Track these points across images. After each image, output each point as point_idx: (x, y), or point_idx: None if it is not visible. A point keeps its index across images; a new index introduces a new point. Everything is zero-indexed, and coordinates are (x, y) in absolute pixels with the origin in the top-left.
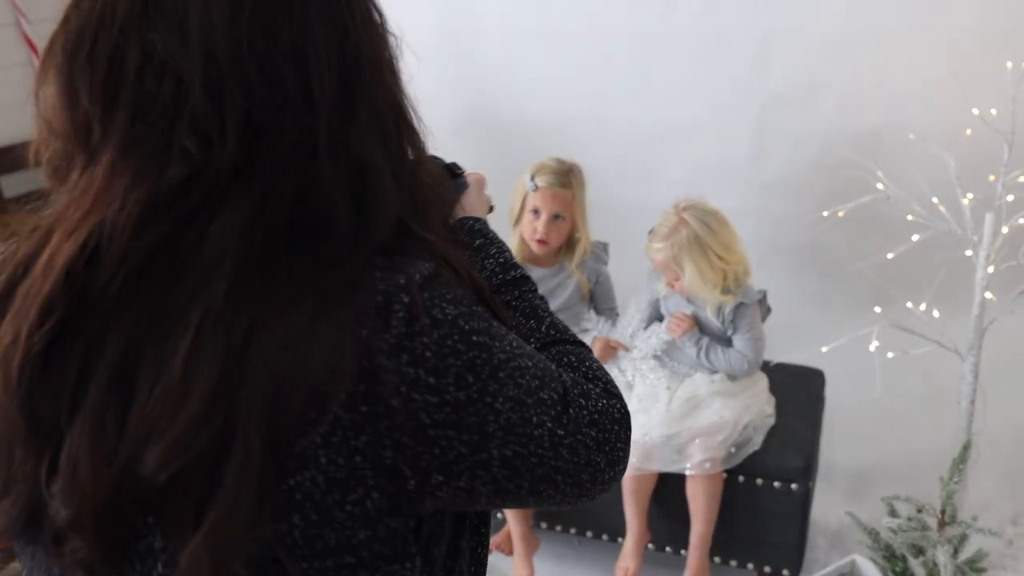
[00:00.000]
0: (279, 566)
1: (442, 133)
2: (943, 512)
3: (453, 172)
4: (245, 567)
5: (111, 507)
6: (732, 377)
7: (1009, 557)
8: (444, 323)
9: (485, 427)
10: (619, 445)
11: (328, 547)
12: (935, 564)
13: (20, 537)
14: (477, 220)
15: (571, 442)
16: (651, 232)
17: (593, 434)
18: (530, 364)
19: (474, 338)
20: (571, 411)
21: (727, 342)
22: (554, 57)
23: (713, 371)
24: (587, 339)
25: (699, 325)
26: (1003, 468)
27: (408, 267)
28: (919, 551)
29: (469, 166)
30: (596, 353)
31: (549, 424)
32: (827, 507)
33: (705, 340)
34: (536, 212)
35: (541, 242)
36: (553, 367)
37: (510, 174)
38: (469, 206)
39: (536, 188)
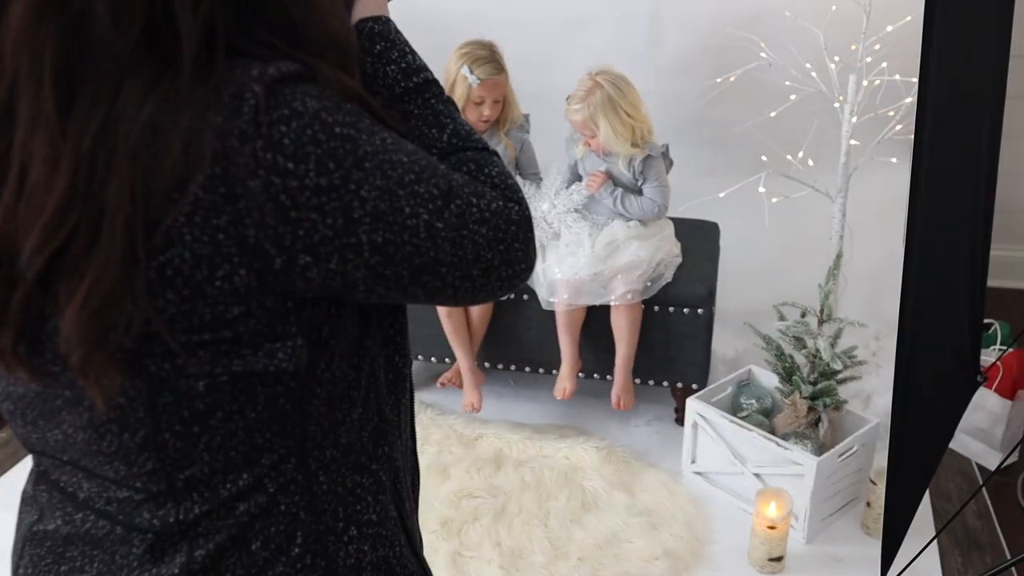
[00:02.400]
0: (163, 341)
1: None
2: (821, 311)
3: None
4: (132, 340)
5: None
6: (644, 223)
7: (873, 365)
8: (304, 114)
9: (350, 213)
10: (516, 245)
11: (204, 322)
12: (816, 352)
13: None
14: (378, 20)
15: (453, 236)
16: (569, 97)
17: (483, 231)
18: (404, 159)
19: (337, 129)
20: (453, 206)
21: (638, 192)
22: None
23: (629, 218)
24: None
25: (612, 179)
26: (867, 293)
27: (267, 64)
28: (802, 344)
29: None
30: (588, 182)
31: (425, 216)
32: (725, 342)
33: (619, 191)
34: (480, 102)
35: (484, 122)
36: (441, 167)
37: (432, 61)
38: (367, 4)
39: (480, 81)
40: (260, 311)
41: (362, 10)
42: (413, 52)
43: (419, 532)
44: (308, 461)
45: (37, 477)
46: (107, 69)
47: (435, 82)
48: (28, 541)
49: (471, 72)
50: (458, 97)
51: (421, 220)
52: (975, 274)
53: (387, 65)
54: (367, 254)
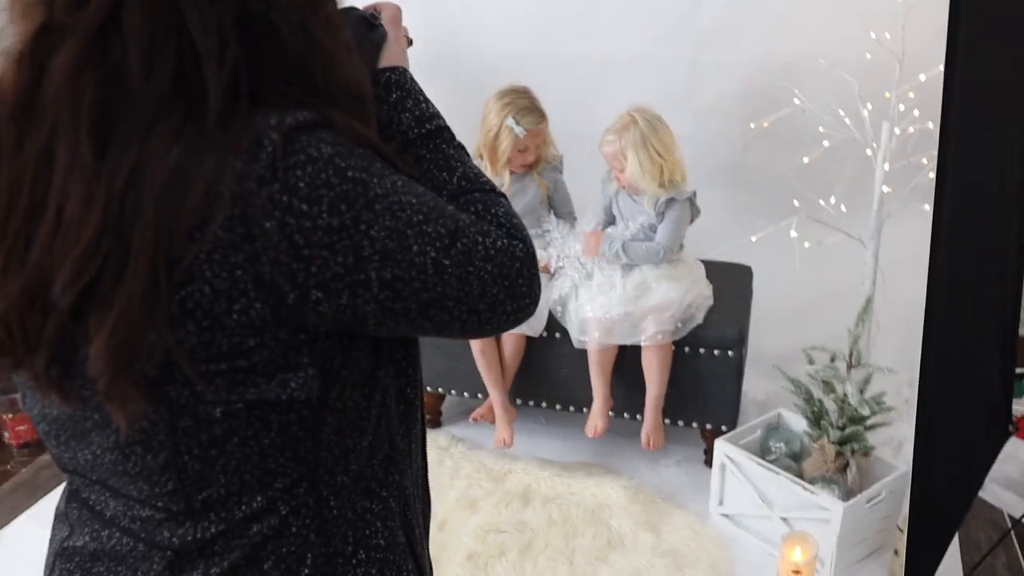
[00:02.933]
0: (183, 369)
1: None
2: (851, 355)
3: (371, 23)
4: (155, 369)
5: (34, 317)
6: (673, 265)
7: (904, 412)
8: (319, 159)
9: (360, 251)
10: (520, 281)
11: (221, 352)
12: (845, 397)
13: (5, 360)
14: (395, 71)
15: (460, 272)
16: (606, 130)
17: (489, 268)
18: (414, 201)
19: (349, 173)
20: (460, 244)
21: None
22: (512, 1)
23: (631, 263)
24: (546, 241)
25: (640, 227)
26: (899, 339)
27: (285, 114)
28: (831, 388)
29: (434, 99)
30: (587, 246)
31: (433, 254)
32: (756, 385)
33: (617, 244)
34: (524, 149)
35: (526, 165)
36: (449, 208)
37: (471, 105)
38: (388, 57)
39: (524, 132)
40: (274, 343)
41: (385, 59)
42: (427, 100)
43: (429, 559)
44: (319, 486)
45: (69, 495)
46: (139, 116)
47: (446, 128)
48: (59, 556)
49: (517, 123)
50: (504, 147)
51: (428, 258)
52: (1006, 322)
53: (402, 112)
54: (376, 290)
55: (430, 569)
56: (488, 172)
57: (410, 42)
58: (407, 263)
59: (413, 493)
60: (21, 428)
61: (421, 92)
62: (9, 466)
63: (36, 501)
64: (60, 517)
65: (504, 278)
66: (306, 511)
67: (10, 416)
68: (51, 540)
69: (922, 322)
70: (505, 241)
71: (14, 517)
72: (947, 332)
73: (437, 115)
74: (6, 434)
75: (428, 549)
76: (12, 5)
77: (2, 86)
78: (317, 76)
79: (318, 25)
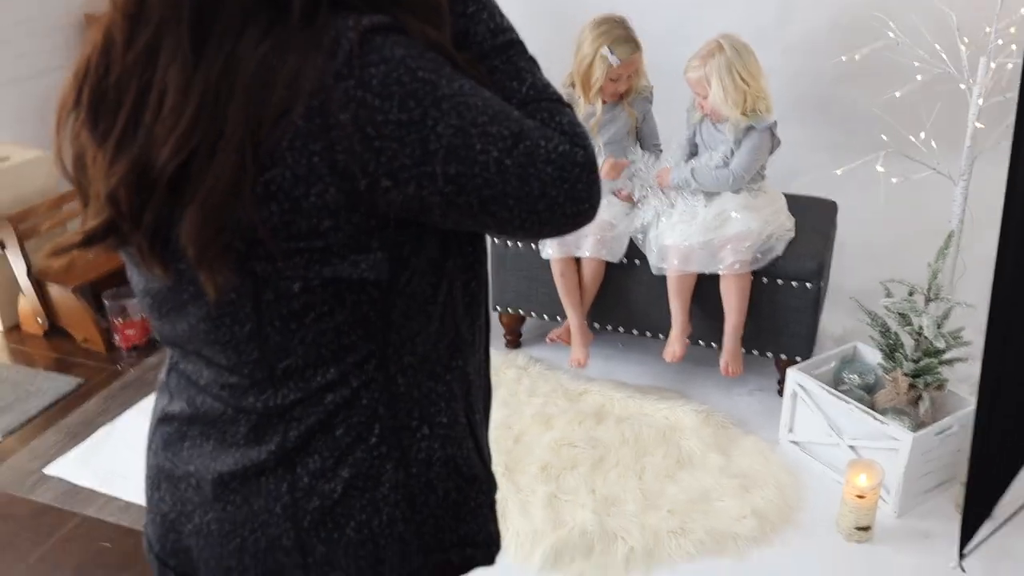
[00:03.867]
0: (266, 246)
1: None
2: (929, 289)
3: None
4: (241, 243)
5: (139, 193)
6: (753, 195)
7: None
8: (391, 59)
9: (427, 145)
10: (579, 186)
11: (301, 231)
12: (921, 331)
13: (115, 237)
14: None
15: (520, 172)
16: (691, 56)
17: (549, 171)
18: (479, 103)
19: (419, 74)
20: (522, 146)
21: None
22: None
23: (708, 192)
24: (631, 171)
25: (724, 156)
26: (987, 280)
27: (362, 16)
28: (907, 321)
29: (525, 28)
30: (604, 170)
31: (495, 153)
32: (835, 319)
33: (686, 171)
34: (617, 79)
35: (616, 95)
36: (515, 113)
37: (564, 32)
38: None
39: (619, 62)
40: (347, 226)
41: None
42: (501, 15)
43: (487, 443)
44: (388, 364)
45: (169, 367)
46: (232, 16)
47: (519, 41)
48: (160, 422)
49: (611, 52)
50: (597, 76)
51: (491, 156)
52: None
53: (476, 24)
54: (441, 183)
55: (489, 453)
56: (580, 100)
57: None
58: (470, 160)
59: (476, 381)
60: (130, 332)
61: (496, 6)
62: (119, 366)
63: (143, 398)
64: (161, 387)
65: (564, 181)
66: (375, 385)
67: (120, 321)
68: (154, 409)
69: None
70: (567, 147)
71: (124, 411)
72: (1020, 263)
73: (511, 28)
74: (117, 337)
75: (487, 432)
76: None
77: None
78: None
79: None
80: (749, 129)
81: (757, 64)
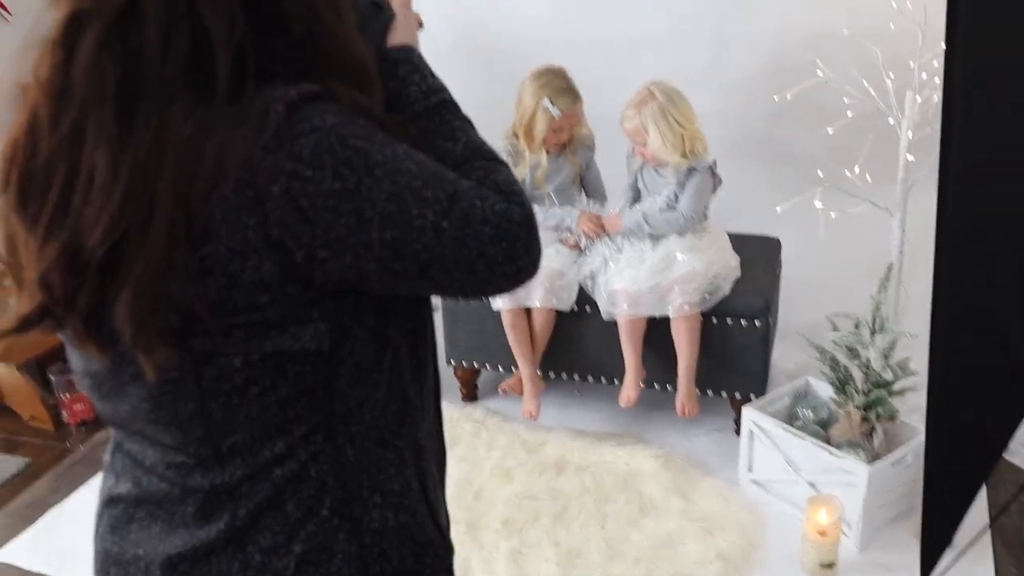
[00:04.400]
0: (204, 322)
1: (440, 52)
2: (873, 321)
3: (379, 6)
4: (178, 320)
5: (71, 276)
6: (698, 236)
7: None
8: (322, 128)
9: (363, 213)
10: (518, 243)
11: (238, 306)
12: (868, 363)
13: (50, 321)
14: (402, 49)
15: (458, 234)
16: (625, 106)
17: (487, 231)
18: (413, 167)
19: (351, 141)
20: (458, 208)
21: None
22: None
23: (655, 235)
24: (574, 215)
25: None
26: (926, 310)
27: (291, 87)
28: (855, 354)
29: (465, 83)
30: (582, 225)
31: (432, 217)
32: (786, 355)
33: (637, 215)
34: (559, 130)
35: (560, 145)
36: (450, 174)
37: (502, 85)
38: (396, 36)
39: (560, 113)
40: (285, 298)
41: (393, 39)
42: (433, 76)
43: (444, 507)
44: (335, 434)
45: (114, 447)
46: (158, 94)
47: (451, 102)
48: (106, 504)
49: (552, 104)
50: (540, 127)
51: (428, 220)
52: None
53: (408, 87)
54: (378, 250)
55: (446, 516)
56: (525, 152)
57: (420, 25)
58: (407, 225)
59: (427, 445)
60: (78, 407)
61: (428, 68)
62: (68, 443)
63: (94, 475)
64: (107, 468)
65: (501, 240)
66: (324, 457)
67: (68, 396)
68: (100, 490)
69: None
70: (504, 205)
71: (75, 489)
72: (960, 293)
73: (442, 88)
74: (64, 413)
75: (443, 495)
76: None
77: (40, 71)
78: (322, 50)
79: (322, 3)
80: (691, 171)
81: (689, 106)
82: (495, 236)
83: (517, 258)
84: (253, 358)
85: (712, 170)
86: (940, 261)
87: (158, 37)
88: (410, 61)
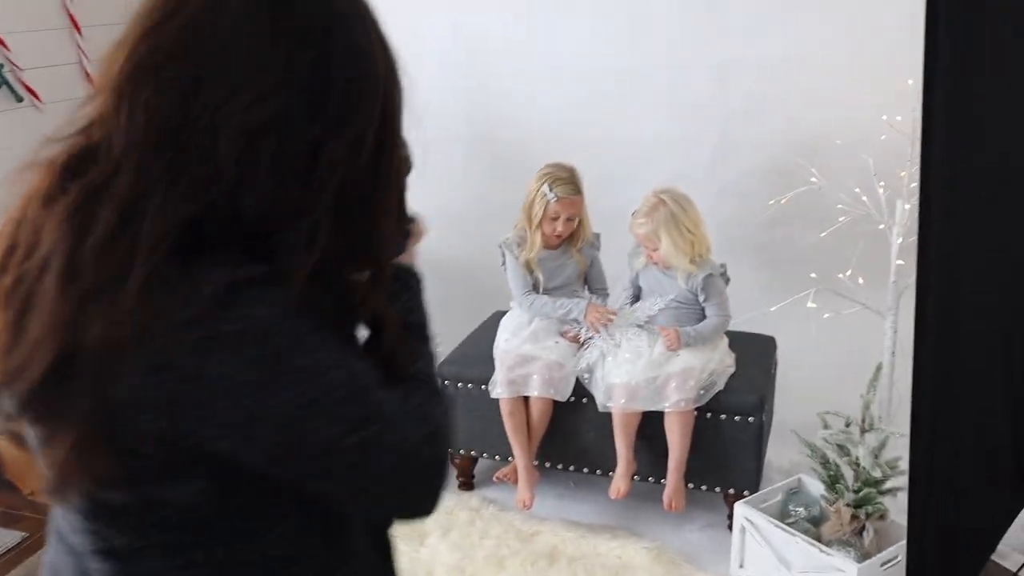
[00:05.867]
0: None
1: (458, 149)
2: (863, 420)
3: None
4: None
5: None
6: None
7: None
8: (250, 318)
9: (263, 409)
10: (417, 483)
11: (127, 449)
12: (858, 462)
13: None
14: (406, 269)
15: (354, 457)
16: (634, 212)
17: (387, 460)
18: (336, 379)
19: (275, 339)
20: (364, 432)
21: (695, 304)
22: (548, 85)
23: (706, 344)
24: (582, 306)
25: (671, 301)
26: None
27: (238, 268)
28: (846, 452)
29: (478, 175)
30: (589, 316)
31: (336, 431)
32: (780, 453)
33: (691, 332)
34: (555, 217)
35: (558, 237)
36: (377, 396)
37: (513, 181)
38: (407, 255)
39: (557, 199)
40: (174, 454)
41: (405, 256)
42: (421, 303)
43: None
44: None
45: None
46: (109, 267)
47: (426, 330)
48: (44, 568)
49: (550, 190)
50: (536, 210)
51: (330, 433)
52: (1012, 382)
53: (396, 302)
54: (267, 445)
55: None
56: (527, 234)
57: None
58: (303, 431)
59: None
60: None
61: (421, 295)
62: None
63: None
64: (49, 533)
65: (400, 475)
66: None
67: None
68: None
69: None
70: (418, 442)
71: None
72: (939, 390)
73: (424, 317)
74: None
75: None
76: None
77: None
78: (362, 244)
79: (385, 215)
80: (708, 278)
81: (697, 213)
82: (394, 469)
83: (408, 499)
84: (136, 500)
85: (723, 273)
86: (921, 359)
87: (110, 223)
88: (408, 283)
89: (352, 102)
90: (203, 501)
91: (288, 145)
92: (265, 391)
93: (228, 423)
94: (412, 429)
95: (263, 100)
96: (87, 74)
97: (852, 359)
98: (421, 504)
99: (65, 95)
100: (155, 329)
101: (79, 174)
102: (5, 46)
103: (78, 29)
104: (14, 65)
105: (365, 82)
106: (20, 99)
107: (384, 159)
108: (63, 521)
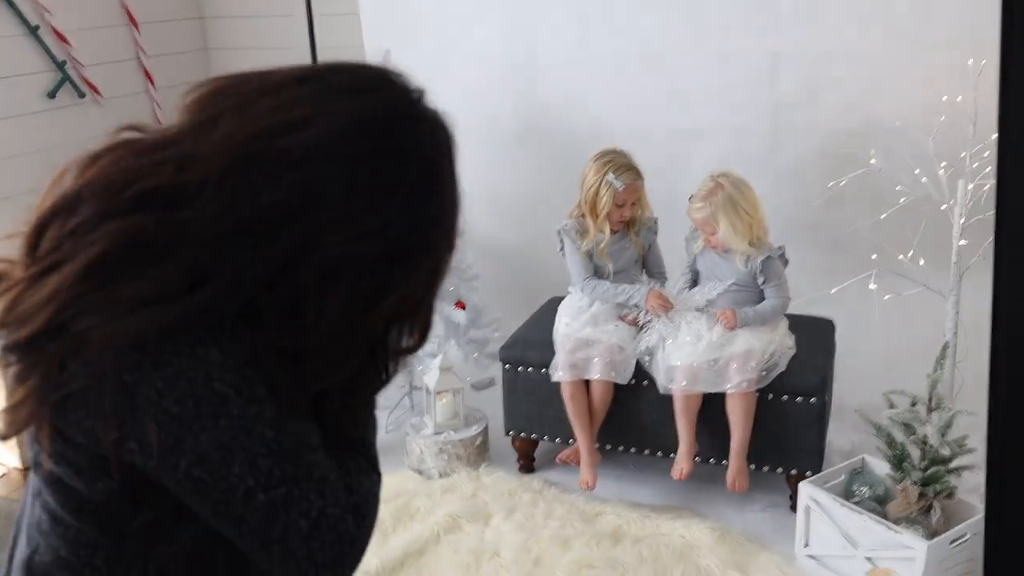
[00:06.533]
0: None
1: (510, 142)
2: (930, 398)
3: None
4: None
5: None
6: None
7: None
8: (197, 357)
9: (181, 443)
10: (328, 551)
11: (64, 448)
12: (926, 440)
13: None
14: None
15: (269, 512)
16: (692, 197)
17: (302, 524)
18: (269, 435)
19: (214, 384)
20: (287, 490)
21: (754, 287)
22: (601, 77)
23: (764, 325)
24: (643, 292)
25: (731, 285)
26: (980, 390)
27: (225, 343)
28: (912, 431)
29: (532, 167)
30: (650, 302)
31: (251, 482)
32: (841, 434)
33: (750, 313)
34: (622, 204)
35: (621, 222)
36: (308, 461)
37: (565, 174)
38: None
39: (624, 186)
40: (97, 453)
41: None
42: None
43: None
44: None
45: None
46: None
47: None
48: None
49: (616, 178)
50: (604, 201)
51: (245, 483)
52: None
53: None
54: (180, 476)
55: None
56: (590, 228)
57: None
58: (219, 475)
59: None
60: None
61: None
62: None
63: None
64: None
65: (313, 540)
66: None
67: None
68: None
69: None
70: (339, 511)
71: None
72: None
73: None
74: None
75: None
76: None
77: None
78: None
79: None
80: (767, 260)
81: (755, 196)
82: (308, 534)
83: (320, 563)
84: (61, 475)
85: (782, 255)
86: (996, 342)
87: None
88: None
89: (422, 263)
90: (112, 503)
91: (359, 287)
92: (188, 427)
93: (149, 443)
94: (338, 497)
95: (356, 241)
96: (145, 70)
97: (912, 342)
98: (330, 569)
99: (124, 90)
100: (114, 341)
101: (157, 204)
102: (68, 43)
103: (135, 25)
104: (76, 62)
105: (440, 246)
106: (82, 95)
107: (424, 312)
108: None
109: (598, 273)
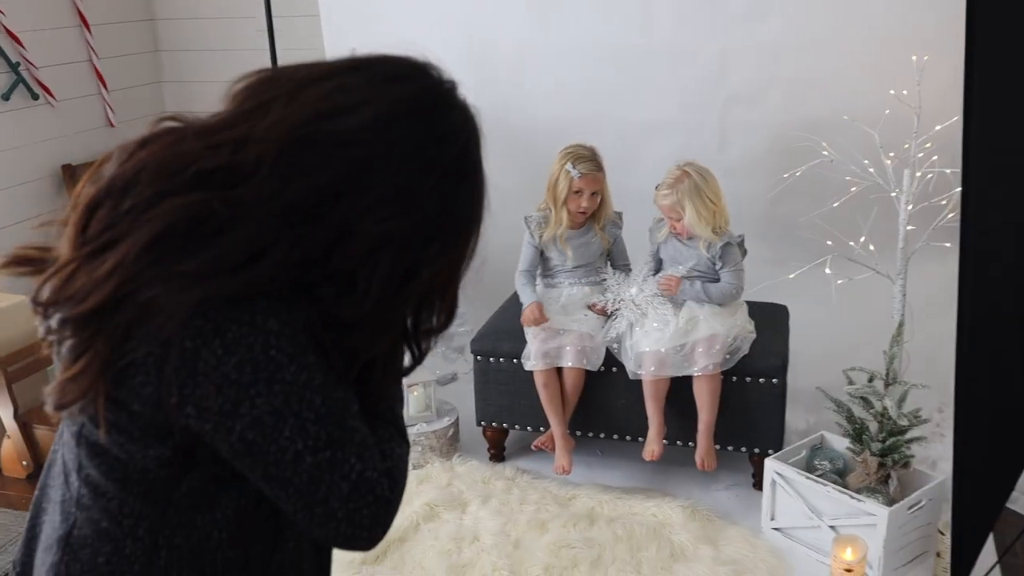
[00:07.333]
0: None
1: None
2: (887, 374)
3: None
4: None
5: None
6: (720, 303)
7: (937, 435)
8: (255, 325)
9: (238, 406)
10: (365, 512)
11: (118, 402)
12: (884, 412)
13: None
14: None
15: (315, 473)
16: (658, 185)
17: (343, 486)
18: (317, 401)
19: (271, 352)
20: (330, 453)
21: (714, 273)
22: (556, 72)
23: (710, 302)
24: (604, 287)
25: (691, 269)
26: (927, 368)
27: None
28: (870, 405)
29: (491, 163)
30: (660, 286)
31: (299, 446)
32: (797, 415)
33: (697, 284)
34: (579, 192)
35: (583, 213)
36: (350, 426)
37: (524, 166)
38: None
39: (580, 175)
40: (155, 420)
41: None
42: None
43: None
44: (157, 534)
45: None
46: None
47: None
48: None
49: (573, 167)
50: (561, 188)
51: (295, 446)
52: None
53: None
54: (234, 440)
55: None
56: (552, 217)
57: None
58: (271, 438)
59: None
60: None
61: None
62: None
63: None
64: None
65: (352, 501)
66: (139, 545)
67: None
68: None
69: (947, 352)
70: (375, 475)
71: None
72: (974, 355)
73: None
74: None
75: None
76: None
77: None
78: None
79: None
80: (727, 247)
81: (718, 185)
82: (348, 495)
83: (357, 523)
84: (111, 446)
85: (741, 243)
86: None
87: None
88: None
89: (453, 244)
90: (162, 469)
91: (401, 259)
92: (245, 391)
93: (207, 408)
94: (376, 465)
95: (398, 216)
96: (97, 72)
97: (860, 325)
98: (360, 535)
99: (77, 92)
100: (176, 310)
101: (216, 183)
102: (21, 44)
103: (87, 26)
104: (29, 63)
105: (469, 228)
106: (36, 97)
107: (451, 293)
108: (64, 441)
109: (556, 262)
